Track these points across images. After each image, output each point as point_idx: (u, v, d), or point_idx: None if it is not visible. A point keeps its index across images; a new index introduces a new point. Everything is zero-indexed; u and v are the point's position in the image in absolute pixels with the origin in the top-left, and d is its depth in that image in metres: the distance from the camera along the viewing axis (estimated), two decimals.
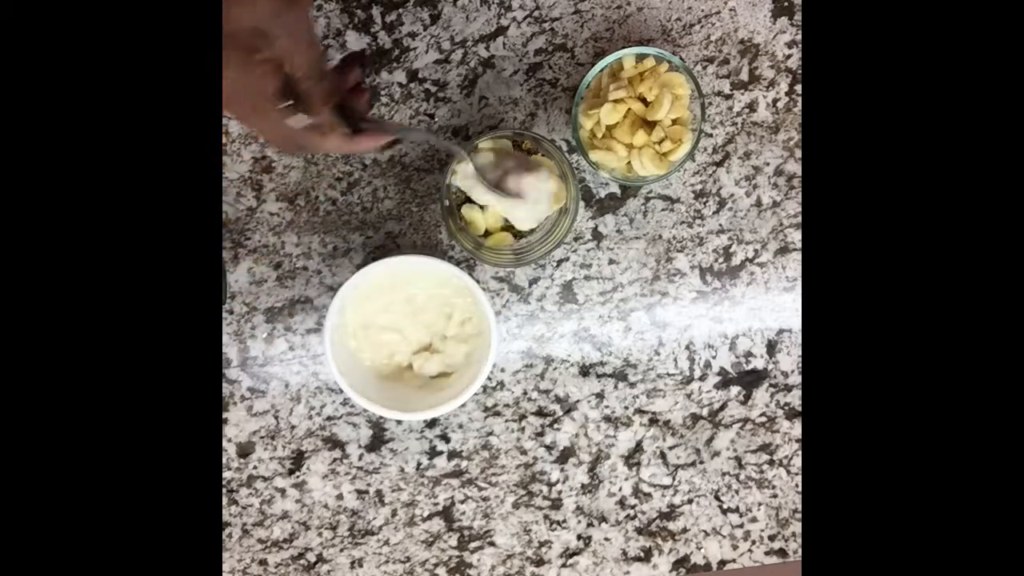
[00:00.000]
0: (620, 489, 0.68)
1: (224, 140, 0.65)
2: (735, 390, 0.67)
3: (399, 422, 0.67)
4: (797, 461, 0.68)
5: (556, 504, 0.68)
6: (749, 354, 0.67)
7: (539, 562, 0.68)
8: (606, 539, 0.68)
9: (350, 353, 0.63)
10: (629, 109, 0.61)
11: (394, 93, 0.65)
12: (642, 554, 0.68)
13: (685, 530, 0.68)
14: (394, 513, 0.67)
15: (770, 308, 0.67)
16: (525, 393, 0.67)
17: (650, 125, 0.62)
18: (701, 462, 0.68)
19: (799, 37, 0.66)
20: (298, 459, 0.67)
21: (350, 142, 0.51)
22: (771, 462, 0.68)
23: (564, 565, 0.68)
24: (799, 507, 0.68)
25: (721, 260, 0.67)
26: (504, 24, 0.65)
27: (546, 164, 0.62)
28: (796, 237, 0.67)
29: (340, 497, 0.67)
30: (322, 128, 0.50)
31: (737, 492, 0.68)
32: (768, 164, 0.66)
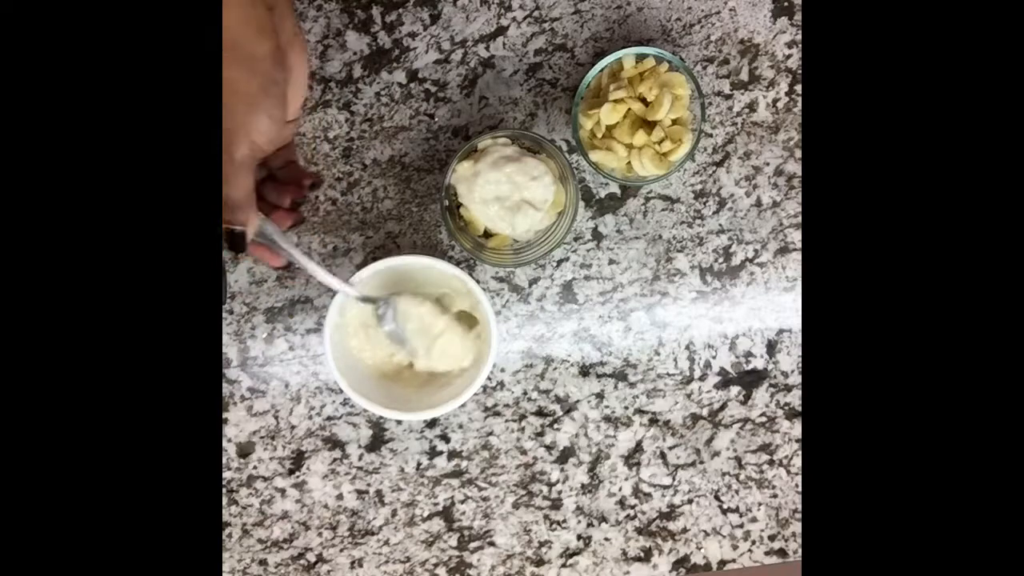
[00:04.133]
0: (620, 489, 0.68)
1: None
2: (735, 390, 0.67)
3: (399, 422, 0.67)
4: (797, 461, 0.68)
5: (556, 504, 0.68)
6: (749, 354, 0.67)
7: (539, 562, 0.68)
8: (606, 539, 0.68)
9: (350, 353, 0.63)
10: (629, 109, 0.61)
11: (394, 93, 0.65)
12: (642, 554, 0.68)
13: (685, 530, 0.68)
14: (394, 513, 0.67)
15: (770, 308, 0.67)
16: (525, 393, 0.67)
17: (650, 125, 0.62)
18: (701, 462, 0.68)
19: (799, 37, 0.66)
20: (298, 459, 0.67)
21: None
22: (771, 462, 0.68)
23: (564, 565, 0.68)
24: (799, 507, 0.68)
25: (721, 260, 0.67)
26: (504, 24, 0.65)
27: (547, 165, 0.62)
28: (796, 237, 0.67)
29: (340, 497, 0.67)
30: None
31: (737, 492, 0.68)
32: (768, 164, 0.66)
